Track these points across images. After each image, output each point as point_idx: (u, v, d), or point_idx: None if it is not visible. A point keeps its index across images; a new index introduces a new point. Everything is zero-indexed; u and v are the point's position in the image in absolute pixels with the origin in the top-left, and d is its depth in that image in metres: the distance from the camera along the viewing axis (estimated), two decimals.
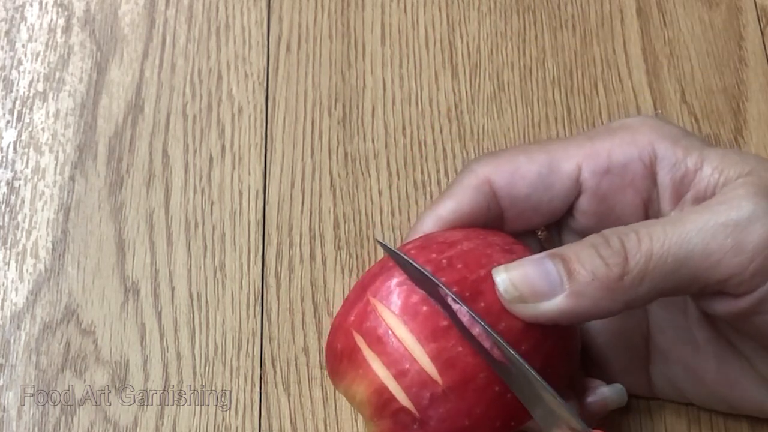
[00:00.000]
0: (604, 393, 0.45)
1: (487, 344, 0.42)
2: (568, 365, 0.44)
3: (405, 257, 0.43)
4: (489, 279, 0.42)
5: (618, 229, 0.42)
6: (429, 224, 0.46)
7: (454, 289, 0.42)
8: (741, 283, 0.41)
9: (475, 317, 0.41)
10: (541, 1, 0.60)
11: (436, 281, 0.42)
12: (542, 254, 0.42)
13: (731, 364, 0.46)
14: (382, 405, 0.42)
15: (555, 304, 0.41)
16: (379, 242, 0.44)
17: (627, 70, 0.58)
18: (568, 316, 0.41)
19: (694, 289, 0.42)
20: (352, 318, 0.43)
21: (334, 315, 0.46)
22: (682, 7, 0.60)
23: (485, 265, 0.43)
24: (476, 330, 0.42)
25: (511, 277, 0.42)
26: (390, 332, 0.42)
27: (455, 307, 0.42)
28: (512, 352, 0.41)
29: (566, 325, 0.44)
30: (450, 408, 0.42)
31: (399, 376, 0.42)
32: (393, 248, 0.43)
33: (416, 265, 0.42)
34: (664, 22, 0.60)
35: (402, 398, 0.42)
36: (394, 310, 0.42)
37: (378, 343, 0.42)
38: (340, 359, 0.44)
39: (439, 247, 0.44)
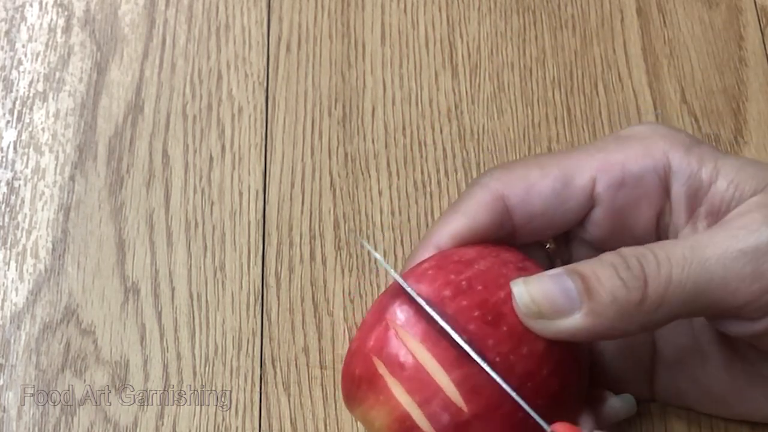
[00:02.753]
0: (614, 404, 0.45)
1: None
2: (582, 384, 0.44)
3: (409, 289, 0.42)
4: (509, 301, 0.42)
5: (636, 250, 0.41)
6: (444, 240, 0.45)
7: (476, 313, 0.42)
8: (757, 309, 0.41)
9: (467, 347, 0.41)
10: (541, 1, 0.60)
11: (432, 313, 0.41)
12: (559, 270, 0.41)
13: (738, 373, 0.46)
14: None
15: (573, 321, 0.41)
16: (393, 274, 0.43)
17: (627, 70, 0.58)
18: (585, 335, 0.41)
19: (709, 314, 0.42)
20: (372, 343, 0.42)
21: (350, 339, 0.45)
22: (682, 7, 0.60)
23: (503, 286, 0.42)
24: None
25: (531, 292, 0.41)
26: (412, 358, 0.41)
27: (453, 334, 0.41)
28: (483, 364, 0.41)
29: (580, 347, 0.44)
30: None
31: (423, 403, 0.41)
32: (401, 280, 0.43)
33: (422, 303, 0.42)
34: (664, 22, 0.60)
35: (425, 426, 0.41)
36: (415, 336, 0.41)
37: (400, 369, 0.41)
38: (359, 385, 0.43)
39: (456, 267, 0.43)
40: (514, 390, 0.41)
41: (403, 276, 0.43)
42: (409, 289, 0.42)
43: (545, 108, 0.57)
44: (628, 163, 0.45)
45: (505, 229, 0.45)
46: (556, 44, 0.59)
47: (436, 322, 0.41)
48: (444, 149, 0.56)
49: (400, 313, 0.42)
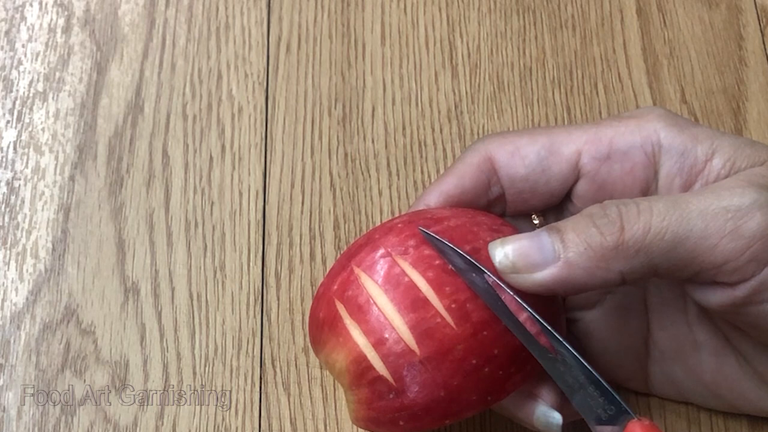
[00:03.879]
0: None
1: (533, 330, 0.42)
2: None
3: (446, 243, 0.43)
4: (473, 255, 0.43)
5: (619, 200, 0.42)
6: (432, 199, 0.46)
7: (437, 262, 0.43)
8: (735, 270, 0.41)
9: (523, 304, 0.42)
10: (541, 1, 0.60)
11: (480, 267, 0.42)
12: (540, 228, 0.42)
13: (730, 363, 0.46)
14: (360, 373, 0.43)
15: (548, 273, 0.41)
16: (421, 230, 0.44)
17: (627, 70, 0.58)
18: (562, 285, 0.41)
19: (689, 272, 0.42)
20: (335, 287, 0.44)
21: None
22: (682, 7, 0.60)
23: (471, 242, 0.43)
24: (523, 316, 0.42)
25: (506, 250, 0.42)
26: (371, 301, 0.43)
27: (502, 295, 0.42)
28: (561, 339, 0.41)
29: (551, 306, 0.44)
30: (426, 378, 0.42)
31: (377, 344, 0.42)
32: (433, 234, 0.44)
33: (461, 252, 0.43)
34: (664, 22, 0.60)
35: (379, 367, 0.42)
36: (376, 280, 0.43)
37: (358, 311, 0.43)
38: (322, 327, 0.44)
39: (425, 223, 0.44)
40: (538, 346, 0.42)
41: (373, 229, 0.45)
42: (446, 242, 0.43)
43: (545, 108, 0.57)
44: (616, 138, 0.45)
45: (494, 191, 0.46)
46: (556, 44, 0.59)
47: (395, 268, 0.43)
48: (444, 149, 0.56)
49: (364, 260, 0.43)
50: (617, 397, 0.41)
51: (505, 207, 0.47)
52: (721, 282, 0.42)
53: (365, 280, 0.43)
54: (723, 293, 0.42)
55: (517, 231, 0.45)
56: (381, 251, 0.43)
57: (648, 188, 0.45)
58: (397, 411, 0.43)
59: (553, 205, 0.47)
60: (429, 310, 0.42)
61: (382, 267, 0.43)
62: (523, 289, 0.42)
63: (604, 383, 0.41)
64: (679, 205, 0.41)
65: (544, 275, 0.41)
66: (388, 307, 0.42)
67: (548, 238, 0.42)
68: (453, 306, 0.42)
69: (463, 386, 0.42)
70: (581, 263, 0.41)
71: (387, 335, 0.42)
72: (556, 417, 0.43)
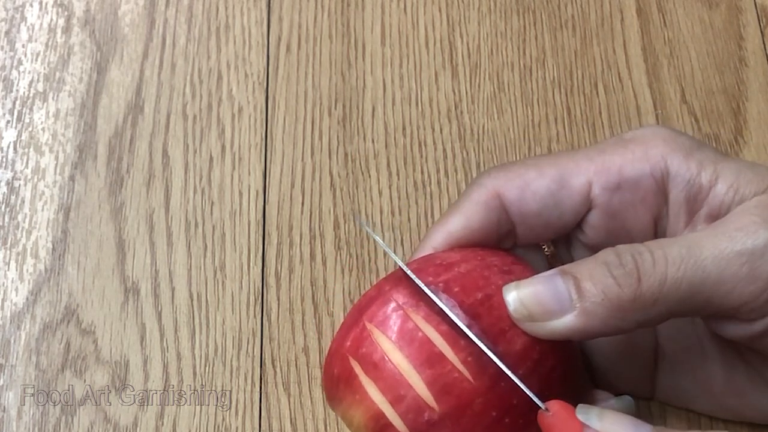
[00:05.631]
0: (612, 406, 0.44)
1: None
2: (565, 385, 0.44)
3: (413, 276, 0.42)
4: (486, 302, 0.42)
5: (633, 247, 0.42)
6: (438, 241, 0.45)
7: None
8: (753, 310, 0.41)
9: (474, 338, 0.41)
10: (541, 1, 0.60)
11: (439, 302, 0.42)
12: (554, 271, 0.42)
13: (739, 374, 0.46)
14: (378, 431, 0.42)
15: (564, 322, 0.41)
16: (398, 262, 0.43)
17: (627, 70, 0.58)
18: (578, 334, 0.41)
19: (706, 313, 0.42)
20: (349, 343, 0.43)
21: (332, 337, 0.45)
22: (682, 7, 0.60)
23: (483, 288, 0.43)
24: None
25: (521, 296, 0.41)
26: (386, 358, 0.42)
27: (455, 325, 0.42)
28: (508, 371, 0.41)
29: (566, 346, 0.44)
30: None
31: (395, 401, 0.42)
32: (401, 263, 0.43)
33: (423, 286, 0.42)
34: (664, 22, 0.60)
35: (398, 424, 0.42)
36: (390, 336, 0.42)
37: (374, 368, 0.42)
38: (337, 384, 0.43)
39: (435, 270, 0.43)
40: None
41: (383, 279, 0.44)
42: (409, 272, 0.43)
43: (545, 108, 0.57)
44: (625, 167, 0.45)
45: (503, 228, 0.45)
46: (556, 44, 0.59)
47: (408, 323, 0.42)
48: (444, 149, 0.56)
49: (376, 315, 0.43)
50: (524, 387, 0.41)
51: (516, 240, 0.46)
52: (738, 318, 0.42)
53: (378, 336, 0.42)
54: (740, 327, 0.42)
55: (529, 267, 0.45)
56: (392, 305, 0.43)
57: (660, 215, 0.45)
58: None
59: (563, 235, 0.47)
60: (445, 365, 0.41)
61: (394, 322, 0.42)
62: (539, 336, 0.42)
63: (524, 387, 0.41)
64: (693, 252, 0.41)
65: (559, 324, 0.41)
66: (404, 363, 0.42)
67: (563, 285, 0.41)
68: (469, 359, 0.41)
69: None
70: (598, 313, 0.40)
71: (404, 393, 0.42)
72: None
